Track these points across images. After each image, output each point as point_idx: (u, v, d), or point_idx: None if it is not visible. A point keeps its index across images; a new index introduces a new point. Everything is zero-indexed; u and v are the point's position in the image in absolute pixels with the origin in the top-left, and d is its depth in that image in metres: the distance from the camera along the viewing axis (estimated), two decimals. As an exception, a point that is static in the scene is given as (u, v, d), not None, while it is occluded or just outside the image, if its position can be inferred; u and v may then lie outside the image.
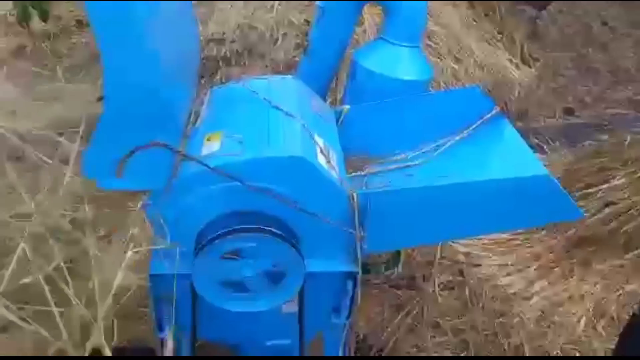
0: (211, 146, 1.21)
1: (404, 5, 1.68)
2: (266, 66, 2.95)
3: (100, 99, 3.76)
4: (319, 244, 1.27)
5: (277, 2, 3.07)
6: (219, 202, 1.19)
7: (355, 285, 1.35)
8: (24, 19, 3.92)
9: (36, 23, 4.17)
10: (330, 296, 1.39)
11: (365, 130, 1.58)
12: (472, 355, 1.97)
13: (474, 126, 1.55)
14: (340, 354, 1.46)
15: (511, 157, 1.40)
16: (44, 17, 4.04)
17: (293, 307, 1.40)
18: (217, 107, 1.38)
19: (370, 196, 1.21)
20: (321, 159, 1.22)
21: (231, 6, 3.17)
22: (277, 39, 3.01)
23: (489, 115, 1.54)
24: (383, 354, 2.00)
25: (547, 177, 1.13)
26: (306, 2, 3.04)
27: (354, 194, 1.21)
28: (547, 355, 1.99)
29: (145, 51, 0.95)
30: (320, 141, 1.28)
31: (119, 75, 0.97)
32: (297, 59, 3.00)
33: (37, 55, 4.16)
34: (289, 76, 1.54)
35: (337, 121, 1.56)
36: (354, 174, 1.43)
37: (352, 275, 1.33)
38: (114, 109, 1.00)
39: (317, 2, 1.75)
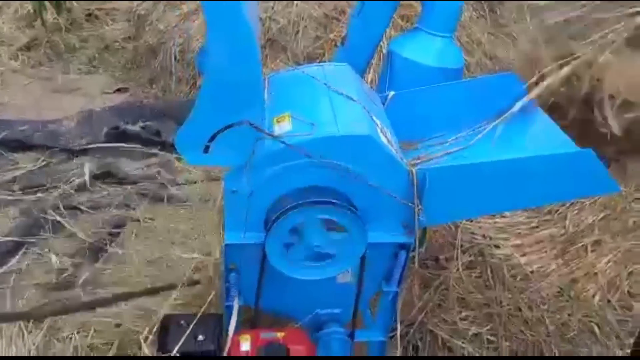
0: (282, 127, 1.31)
1: (441, -1, 1.79)
2: (288, 59, 3.05)
3: (118, 90, 3.83)
4: (377, 217, 1.38)
5: (297, -5, 3.16)
6: (290, 179, 1.30)
7: (407, 256, 1.47)
8: (39, 12, 3.96)
9: (48, 16, 4.22)
10: (382, 266, 1.51)
11: (407, 115, 1.69)
12: (499, 332, 2.09)
13: (511, 110, 1.66)
14: (391, 320, 1.57)
15: (546, 138, 1.52)
16: (59, 9, 4.08)
17: (347, 277, 1.52)
18: (277, 92, 1.48)
19: (428, 172, 1.32)
20: (382, 138, 1.34)
21: None
22: (297, 32, 3.10)
23: (524, 100, 1.66)
24: (413, 328, 2.12)
25: (590, 152, 1.26)
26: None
27: (413, 170, 1.32)
28: (565, 325, 2.13)
29: (253, 48, 1.06)
30: (379, 122, 1.39)
31: (222, 63, 1.07)
32: (317, 51, 3.11)
33: (50, 48, 4.20)
34: (342, 63, 1.64)
35: (382, 106, 1.67)
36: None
37: (405, 246, 1.45)
38: (212, 92, 1.10)
39: (358, -2, 1.86)
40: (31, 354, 1.87)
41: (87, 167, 2.84)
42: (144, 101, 3.54)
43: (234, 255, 1.38)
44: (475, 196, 1.36)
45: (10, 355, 1.87)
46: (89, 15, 4.67)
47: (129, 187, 2.79)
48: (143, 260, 2.31)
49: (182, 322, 1.34)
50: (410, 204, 1.34)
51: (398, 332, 1.53)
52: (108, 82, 3.89)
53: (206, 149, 1.18)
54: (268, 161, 1.28)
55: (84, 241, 2.45)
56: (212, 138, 1.16)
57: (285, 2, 3.20)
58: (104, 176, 2.88)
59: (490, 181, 1.32)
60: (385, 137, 1.36)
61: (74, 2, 4.59)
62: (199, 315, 1.37)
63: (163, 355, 1.33)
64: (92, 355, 1.92)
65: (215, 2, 1.01)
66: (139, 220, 2.57)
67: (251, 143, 1.22)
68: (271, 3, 3.18)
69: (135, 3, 3.95)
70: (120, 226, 2.56)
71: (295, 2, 3.14)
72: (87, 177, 2.76)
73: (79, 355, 1.91)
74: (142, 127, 3.20)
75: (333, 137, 1.26)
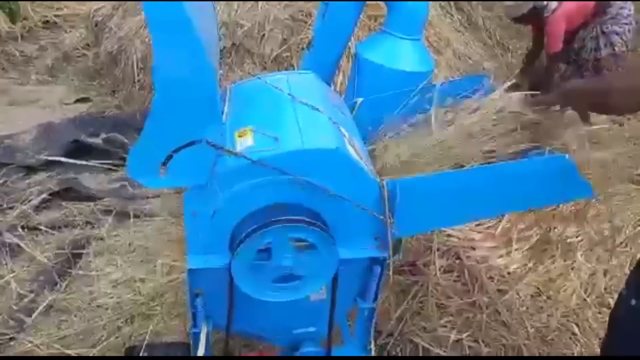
0: (244, 142, 1.23)
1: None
2: (254, 63, 2.96)
3: (77, 100, 3.68)
4: (348, 232, 1.32)
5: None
6: (255, 196, 1.22)
7: (382, 270, 1.41)
8: (-8, 21, 3.78)
9: (2, 24, 4.04)
10: (356, 282, 1.45)
11: (376, 121, 1.64)
12: (479, 336, 2.06)
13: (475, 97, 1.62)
14: (368, 336, 1.52)
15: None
16: (13, 18, 3.90)
17: (321, 295, 1.45)
18: (239, 103, 1.41)
19: (399, 183, 1.26)
20: (350, 150, 1.27)
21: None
22: (263, 36, 3.02)
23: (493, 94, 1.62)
24: (393, 338, 2.07)
25: (565, 157, 1.22)
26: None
27: (384, 182, 1.26)
28: (545, 327, 2.11)
29: (201, 53, 0.98)
30: (346, 133, 1.32)
31: (171, 73, 0.98)
32: (285, 54, 3.04)
33: (5, 58, 4.02)
34: (307, 71, 1.57)
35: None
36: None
37: (379, 261, 1.39)
38: (164, 108, 1.02)
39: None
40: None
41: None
42: (106, 112, 3.41)
43: (199, 280, 1.29)
44: (448, 205, 1.30)
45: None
46: (46, 22, 4.49)
47: (92, 204, 2.66)
48: (108, 283, 2.19)
49: (146, 353, 1.25)
50: (381, 217, 1.28)
51: (373, 350, 1.46)
52: (67, 92, 3.73)
53: (162, 171, 1.09)
54: (230, 179, 1.20)
55: (45, 264, 2.32)
56: (167, 159, 1.08)
57: (249, 4, 3.11)
58: (65, 193, 2.74)
59: (463, 190, 1.27)
60: (354, 148, 1.29)
61: (30, 9, 4.41)
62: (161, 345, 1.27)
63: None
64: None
65: (156, 3, 0.92)
66: (103, 239, 2.44)
67: (211, 161, 1.14)
68: (234, 5, 3.09)
69: (93, 9, 3.79)
70: (84, 246, 2.43)
71: (260, 5, 3.06)
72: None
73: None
74: (105, 139, 3.07)
75: (298, 152, 1.19)
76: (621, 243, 2.44)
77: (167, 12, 0.93)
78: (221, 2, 3.16)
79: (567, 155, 1.21)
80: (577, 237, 2.41)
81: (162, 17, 0.93)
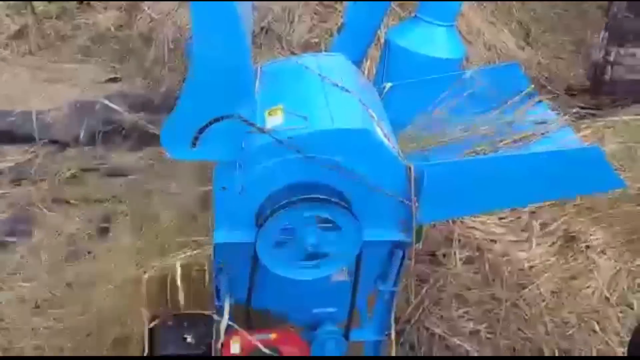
0: (274, 120, 1.25)
1: (440, -14, 1.73)
2: (282, 47, 2.97)
3: (109, 80, 3.75)
4: (372, 214, 1.33)
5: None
6: (283, 174, 1.24)
7: (404, 254, 1.41)
8: (29, -1, 3.86)
9: (38, 3, 4.12)
10: (378, 264, 1.46)
11: (405, 106, 1.63)
12: (497, 329, 2.05)
13: (509, 103, 1.62)
14: (388, 320, 1.53)
15: (550, 132, 1.47)
16: (49, -4, 3.98)
17: (342, 276, 1.47)
18: (269, 83, 1.42)
19: (426, 168, 1.27)
20: (379, 132, 1.28)
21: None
22: (292, 20, 3.03)
23: (524, 92, 1.61)
24: (409, 325, 2.08)
25: (597, 149, 1.21)
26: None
27: (411, 166, 1.27)
28: (564, 322, 2.10)
29: (240, 34, 1.00)
30: (375, 115, 1.33)
31: (209, 51, 1.01)
32: (313, 40, 3.04)
33: (41, 36, 4.11)
34: (337, 53, 1.57)
35: (379, 98, 1.61)
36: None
37: (402, 245, 1.39)
38: (199, 82, 1.04)
39: (355, -17, 1.79)
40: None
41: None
42: (137, 92, 3.46)
43: (224, 254, 1.32)
44: (475, 193, 1.30)
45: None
46: (81, 2, 4.56)
47: (120, 179, 2.72)
48: (132, 256, 2.25)
49: (171, 322, 1.28)
50: (407, 202, 1.28)
51: (393, 334, 1.48)
52: (100, 71, 3.79)
53: (193, 143, 1.12)
54: (260, 156, 1.22)
55: (74, 235, 2.39)
56: (200, 132, 1.10)
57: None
58: (94, 168, 2.81)
59: (491, 178, 1.27)
60: (382, 131, 1.30)
61: (65, -11, 4.48)
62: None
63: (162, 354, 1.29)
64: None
65: None
66: (129, 214, 2.51)
67: (241, 137, 1.16)
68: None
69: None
70: (110, 220, 2.50)
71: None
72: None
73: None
74: (135, 119, 3.12)
75: (327, 131, 1.20)
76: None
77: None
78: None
79: (598, 146, 1.19)
80: (601, 234, 2.37)
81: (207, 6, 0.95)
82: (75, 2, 4.48)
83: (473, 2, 3.46)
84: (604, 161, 1.22)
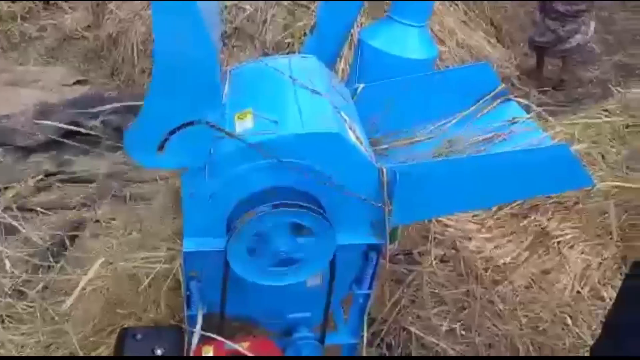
0: (244, 124, 1.23)
1: (411, -16, 1.72)
2: (255, 48, 2.94)
3: (76, 82, 3.65)
4: (345, 218, 1.32)
5: (263, -18, 3.05)
6: (253, 180, 1.22)
7: (378, 257, 1.41)
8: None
9: (2, 4, 3.99)
10: (352, 268, 1.45)
11: (376, 108, 1.63)
12: (472, 326, 2.06)
13: (480, 102, 1.63)
14: (362, 323, 1.52)
15: (520, 130, 1.48)
16: (13, -4, 3.86)
17: (317, 281, 1.45)
18: (239, 86, 1.39)
19: (398, 169, 1.26)
20: (351, 135, 1.26)
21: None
22: (265, 20, 2.99)
23: (495, 92, 1.62)
24: (386, 326, 2.08)
25: (565, 147, 1.22)
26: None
27: (383, 168, 1.26)
28: (538, 317, 2.12)
29: (200, 26, 0.96)
30: (347, 117, 1.32)
31: (173, 52, 0.97)
32: (287, 40, 3.01)
33: (5, 37, 3.98)
34: (309, 55, 1.55)
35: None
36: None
37: (376, 247, 1.39)
38: (163, 85, 1.00)
39: (325, -17, 1.77)
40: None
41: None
42: (105, 94, 3.37)
43: (195, 262, 1.29)
44: (448, 194, 1.30)
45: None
46: (47, 2, 4.44)
47: (88, 185, 2.65)
48: (103, 265, 2.18)
49: (139, 335, 1.25)
50: (380, 204, 1.27)
51: (364, 337, 1.47)
52: (67, 73, 3.69)
53: (159, 150, 1.08)
54: (229, 161, 1.19)
55: (40, 245, 2.31)
56: (166, 138, 1.07)
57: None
58: (62, 174, 2.73)
59: (462, 178, 1.27)
60: (354, 134, 1.28)
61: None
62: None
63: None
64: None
65: None
66: (99, 222, 2.44)
67: (209, 142, 1.13)
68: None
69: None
70: (79, 228, 2.43)
71: (262, -11, 3.02)
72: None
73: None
74: (103, 122, 3.05)
75: (298, 136, 1.19)
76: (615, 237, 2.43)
77: None
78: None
79: (567, 144, 1.21)
80: (571, 229, 2.41)
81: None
82: (41, 2, 4.36)
83: (446, 2, 3.48)
84: (573, 159, 1.24)
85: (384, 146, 1.51)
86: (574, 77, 3.99)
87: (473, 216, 2.60)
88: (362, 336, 1.54)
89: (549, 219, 2.51)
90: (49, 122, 2.99)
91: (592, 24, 3.64)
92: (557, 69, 3.94)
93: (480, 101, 1.60)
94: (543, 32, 3.58)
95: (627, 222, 2.38)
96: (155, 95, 1.03)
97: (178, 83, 1.01)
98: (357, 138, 1.28)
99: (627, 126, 2.75)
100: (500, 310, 2.14)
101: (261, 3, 2.95)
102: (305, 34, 2.94)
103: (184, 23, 0.94)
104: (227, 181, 1.20)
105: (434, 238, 2.40)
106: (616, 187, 2.38)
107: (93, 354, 1.81)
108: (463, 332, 2.07)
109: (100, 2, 3.63)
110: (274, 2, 2.97)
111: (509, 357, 2.02)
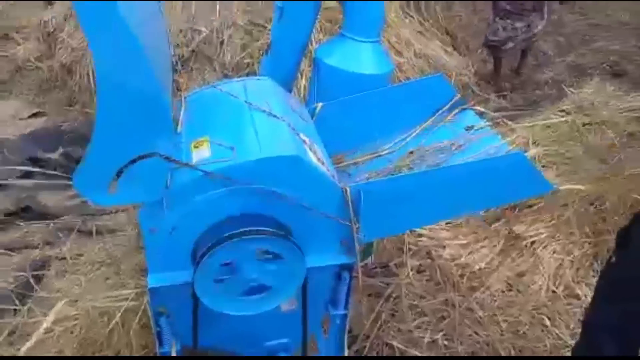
0: (200, 153, 1.19)
1: (361, 2, 1.73)
2: (214, 70, 2.91)
3: (33, 114, 3.54)
4: (313, 240, 1.29)
5: (218, 4, 3.03)
6: (215, 209, 1.18)
7: (351, 276, 1.38)
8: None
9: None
10: (326, 289, 1.42)
11: (337, 125, 1.62)
12: (453, 335, 2.05)
13: (437, 114, 1.64)
14: (343, 343, 1.49)
15: (479, 140, 1.49)
16: (-40, 32, 3.73)
17: (291, 305, 1.42)
18: (195, 113, 1.36)
19: (362, 188, 1.25)
20: (311, 156, 1.25)
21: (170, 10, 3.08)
22: (222, 42, 2.97)
23: (451, 102, 1.64)
24: (369, 342, 2.05)
25: (521, 154, 1.23)
26: (249, 3, 3.03)
27: (347, 187, 1.24)
28: (517, 321, 2.13)
29: (139, 53, 0.93)
30: (306, 139, 1.30)
31: (114, 83, 0.93)
32: (246, 60, 2.99)
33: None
34: (264, 77, 1.54)
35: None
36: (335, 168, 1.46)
37: (347, 267, 1.36)
38: (109, 119, 0.96)
39: (276, 2, 1.76)
40: None
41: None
42: (63, 125, 3.28)
43: (162, 298, 1.24)
44: (413, 208, 1.29)
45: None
46: (-4, 35, 4.33)
47: (51, 222, 2.55)
48: (71, 304, 2.09)
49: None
50: (347, 223, 1.26)
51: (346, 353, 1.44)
52: (21, 106, 3.57)
53: (112, 186, 1.04)
54: (187, 192, 1.16)
55: (4, 288, 2.20)
56: (117, 174, 1.02)
57: (207, 11, 3.05)
58: (23, 212, 2.62)
59: (426, 191, 1.26)
60: (315, 154, 1.27)
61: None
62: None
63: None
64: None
65: (89, 7, 0.86)
66: (65, 258, 2.34)
67: (164, 175, 1.09)
68: (192, 11, 3.03)
69: (43, 19, 3.65)
70: (44, 267, 2.33)
71: (218, 10, 3.00)
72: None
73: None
74: (63, 154, 2.96)
75: (256, 161, 1.16)
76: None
77: (103, 20, 0.88)
78: (177, 6, 3.09)
79: (521, 151, 1.21)
80: (541, 230, 2.44)
81: (98, 23, 0.88)
82: (-11, 35, 4.25)
83: (401, 14, 3.53)
84: (530, 166, 1.25)
85: (346, 163, 1.49)
86: (531, 80, 4.10)
87: (446, 223, 2.62)
88: (344, 356, 1.51)
89: (519, 221, 2.54)
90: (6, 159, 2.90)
91: (542, 23, 3.79)
92: (513, 72, 4.04)
93: (439, 112, 1.61)
94: (495, 31, 3.70)
95: (594, 218, 2.42)
96: (102, 130, 0.98)
97: (125, 116, 0.97)
98: (318, 159, 1.26)
99: (583, 124, 2.83)
100: (480, 317, 2.14)
101: (216, 24, 2.92)
102: (263, 54, 2.92)
103: (124, 54, 0.91)
104: (188, 212, 1.16)
105: (409, 249, 2.39)
106: (577, 188, 2.43)
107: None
108: (445, 343, 2.06)
109: (51, 32, 3.54)
110: (231, 23, 2.95)
111: (509, 357, 2.02)
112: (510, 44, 3.70)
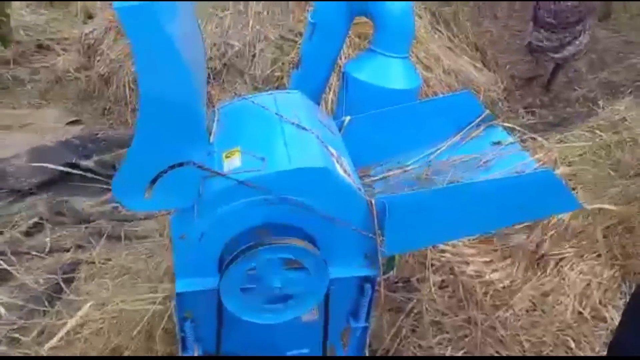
0: (232, 163, 1.23)
1: (392, 17, 1.76)
2: (245, 83, 2.98)
3: (70, 122, 3.69)
4: (337, 251, 1.31)
5: (251, 20, 3.12)
6: (244, 217, 1.22)
7: (373, 289, 1.40)
8: (-15, 46, 3.80)
9: (-6, 51, 4.06)
10: (348, 301, 1.44)
11: (364, 139, 1.64)
12: (475, 353, 2.04)
13: (465, 130, 1.65)
14: (362, 356, 1.50)
15: (507, 156, 1.50)
16: (4, 42, 3.93)
17: (313, 316, 1.44)
18: (227, 124, 1.41)
19: (387, 201, 1.26)
20: (339, 168, 1.27)
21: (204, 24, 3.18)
22: (254, 55, 3.05)
23: (479, 119, 1.64)
24: (389, 357, 2.04)
25: (550, 171, 1.23)
26: (280, 18, 3.10)
27: (372, 200, 1.26)
28: (540, 341, 2.10)
29: (181, 68, 0.98)
30: (334, 151, 1.33)
31: (154, 93, 0.98)
32: (276, 74, 3.06)
33: (-2, 82, 4.03)
34: (294, 90, 1.58)
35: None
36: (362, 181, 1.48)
37: (370, 279, 1.38)
38: (148, 128, 1.01)
39: (309, 18, 1.81)
40: None
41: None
42: (99, 134, 3.40)
43: (188, 303, 1.28)
44: (438, 223, 1.30)
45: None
46: (39, 46, 4.52)
47: (83, 226, 2.64)
48: (99, 308, 2.16)
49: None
50: (371, 236, 1.27)
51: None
52: (60, 115, 3.72)
53: (147, 193, 1.09)
54: (218, 200, 1.20)
55: (35, 290, 2.28)
56: (153, 181, 1.07)
57: (240, 26, 3.14)
58: (57, 216, 2.72)
59: (452, 207, 1.27)
60: (342, 167, 1.29)
61: (23, 33, 4.45)
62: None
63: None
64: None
65: (138, 26, 0.92)
66: (94, 263, 2.42)
67: (197, 183, 1.14)
68: (225, 25, 3.12)
69: (84, 32, 3.81)
70: (74, 270, 2.40)
71: (250, 25, 3.09)
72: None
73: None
74: (97, 162, 3.06)
75: (285, 172, 1.19)
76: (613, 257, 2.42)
77: (149, 34, 0.93)
78: (212, 23, 3.19)
79: (551, 169, 1.22)
80: (567, 249, 2.40)
81: (144, 39, 0.94)
82: (33, 46, 4.44)
83: (430, 30, 3.56)
84: (558, 183, 1.24)
85: (372, 177, 1.52)
86: (561, 97, 4.05)
87: (469, 240, 2.60)
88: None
89: (545, 240, 2.51)
90: (43, 164, 3.02)
91: (587, 37, 3.76)
92: (544, 88, 4.05)
93: (466, 128, 1.62)
94: (538, 38, 3.71)
95: (622, 239, 2.37)
96: (141, 139, 1.04)
97: (163, 127, 1.02)
98: (345, 171, 1.29)
99: (614, 143, 2.78)
100: (502, 336, 2.11)
101: (249, 39, 3.01)
102: (293, 67, 2.98)
103: (167, 68, 0.96)
104: (217, 220, 1.20)
105: (432, 264, 2.38)
106: (602, 208, 2.38)
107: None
108: (466, 361, 2.04)
109: (91, 44, 3.69)
110: (262, 37, 3.03)
111: (508, 356, 1.98)
112: (564, 53, 3.71)
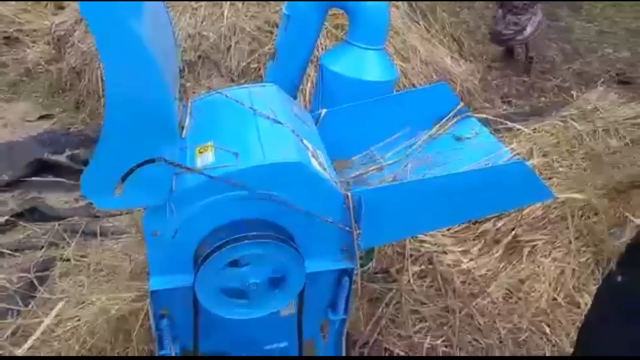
0: (205, 158, 1.21)
1: (367, 9, 1.75)
2: (221, 75, 2.94)
3: (41, 117, 3.59)
4: (314, 245, 1.31)
5: (226, 10, 3.07)
6: (218, 213, 1.20)
7: (351, 281, 1.40)
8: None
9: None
10: (326, 294, 1.44)
11: (340, 132, 1.64)
12: (453, 341, 2.06)
13: (441, 122, 1.66)
14: (341, 348, 1.50)
15: (481, 147, 1.51)
16: (-29, 34, 3.79)
17: (290, 310, 1.43)
18: (200, 118, 1.39)
19: (363, 194, 1.26)
20: (314, 162, 1.26)
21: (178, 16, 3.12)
22: (229, 47, 3.00)
23: (455, 110, 1.65)
24: (368, 347, 2.06)
25: (522, 163, 1.24)
26: (256, 9, 3.06)
27: (349, 193, 1.26)
28: (517, 328, 2.14)
29: (149, 61, 0.95)
30: (309, 145, 1.32)
31: (122, 89, 0.96)
32: (252, 65, 3.02)
33: (-36, 75, 3.89)
34: (269, 84, 1.56)
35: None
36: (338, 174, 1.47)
37: (347, 272, 1.38)
38: (116, 124, 0.99)
39: (283, 10, 1.79)
40: None
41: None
42: (71, 128, 3.32)
43: (163, 301, 1.26)
44: (414, 215, 1.31)
45: None
46: (7, 38, 4.38)
47: (56, 223, 2.58)
48: (74, 305, 2.12)
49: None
50: (348, 229, 1.27)
51: None
52: (30, 109, 3.62)
53: (117, 190, 1.06)
54: (191, 197, 1.18)
55: (8, 289, 2.23)
56: (123, 179, 1.05)
57: (214, 17, 3.09)
58: (29, 213, 2.66)
59: (427, 198, 1.28)
60: (317, 160, 1.29)
61: (-11, 26, 4.31)
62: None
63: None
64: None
65: (100, 17, 0.89)
66: (69, 260, 2.37)
67: (169, 180, 1.12)
68: (199, 17, 3.06)
69: (54, 23, 3.70)
70: (48, 268, 2.35)
71: (225, 16, 3.04)
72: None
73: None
74: (70, 157, 2.99)
75: (260, 167, 1.18)
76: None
77: (113, 30, 0.90)
78: (186, 14, 3.13)
79: (523, 160, 1.23)
80: (541, 237, 2.44)
81: (108, 34, 0.91)
82: (1, 38, 4.30)
83: (407, 21, 3.55)
84: (531, 174, 1.26)
85: (348, 170, 1.51)
86: (536, 87, 4.10)
87: (447, 229, 2.63)
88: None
89: (520, 229, 2.55)
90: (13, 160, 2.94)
91: (539, 14, 4.00)
92: (526, 62, 4.21)
93: (442, 120, 1.62)
94: (507, 25, 3.91)
95: (595, 226, 2.42)
96: (109, 135, 1.01)
97: (132, 121, 0.99)
98: (321, 165, 1.28)
99: (587, 132, 2.83)
100: (480, 323, 2.15)
101: (224, 30, 2.96)
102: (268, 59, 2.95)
103: (133, 62, 0.93)
104: (191, 217, 1.18)
105: (410, 254, 2.40)
106: (575, 197, 2.43)
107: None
108: (445, 349, 2.07)
109: (62, 36, 3.59)
110: (237, 30, 2.98)
111: (508, 357, 2.02)
112: (520, 37, 3.93)
